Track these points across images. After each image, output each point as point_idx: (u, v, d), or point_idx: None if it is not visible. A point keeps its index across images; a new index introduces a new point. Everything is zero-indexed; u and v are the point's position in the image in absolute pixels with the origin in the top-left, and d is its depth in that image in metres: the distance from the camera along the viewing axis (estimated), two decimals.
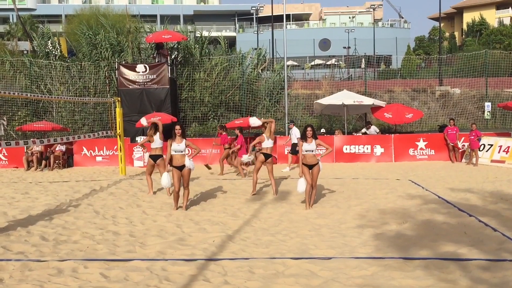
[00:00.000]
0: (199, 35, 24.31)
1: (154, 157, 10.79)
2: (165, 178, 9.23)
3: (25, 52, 36.83)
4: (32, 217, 8.50)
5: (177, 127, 9.10)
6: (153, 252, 6.29)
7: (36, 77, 21.94)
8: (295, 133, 15.71)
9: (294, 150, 15.28)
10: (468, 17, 61.14)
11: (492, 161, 15.70)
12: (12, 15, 51.01)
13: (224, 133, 14.94)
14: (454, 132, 16.79)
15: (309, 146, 8.98)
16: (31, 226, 7.72)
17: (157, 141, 10.78)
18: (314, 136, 9.04)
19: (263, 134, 10.77)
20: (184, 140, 9.11)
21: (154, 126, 10.86)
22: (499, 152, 15.71)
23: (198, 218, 8.35)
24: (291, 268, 5.58)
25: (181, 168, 8.98)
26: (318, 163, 9.04)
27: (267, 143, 10.62)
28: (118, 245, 6.67)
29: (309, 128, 9.05)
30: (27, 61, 22.58)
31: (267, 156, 10.57)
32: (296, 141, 14.98)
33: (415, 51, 53.28)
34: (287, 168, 15.59)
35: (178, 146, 8.99)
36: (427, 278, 5.16)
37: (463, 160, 16.78)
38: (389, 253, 6.09)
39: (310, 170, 9.01)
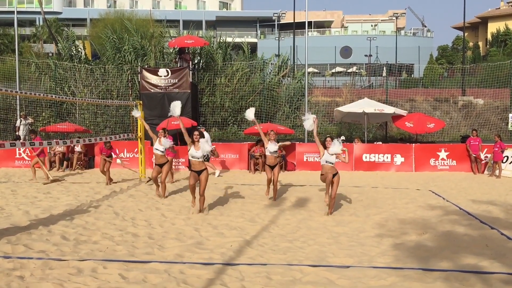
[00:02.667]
0: (221, 41, 24.49)
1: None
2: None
3: (50, 54, 37.55)
4: (53, 216, 8.63)
5: (196, 133, 9.11)
6: (171, 255, 6.32)
7: (61, 79, 22.36)
8: (206, 137, 14.48)
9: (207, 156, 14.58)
10: (493, 27, 60.25)
11: None
12: (39, 18, 52.06)
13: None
14: (477, 143, 16.52)
15: (330, 157, 8.93)
16: (52, 226, 7.84)
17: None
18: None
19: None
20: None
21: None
22: None
23: (216, 222, 8.37)
24: (308, 276, 5.55)
25: (199, 172, 9.01)
26: (337, 172, 9.01)
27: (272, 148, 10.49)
28: (137, 246, 6.73)
29: (329, 138, 9.04)
30: (52, 63, 23.04)
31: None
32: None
33: (438, 60, 52.73)
34: (218, 172, 15.03)
35: (196, 152, 8.95)
36: None
37: (486, 171, 16.50)
38: (409, 264, 6.01)
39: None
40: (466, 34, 44.81)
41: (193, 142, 9.03)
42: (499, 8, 64.97)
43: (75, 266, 5.76)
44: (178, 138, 17.83)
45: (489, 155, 16.40)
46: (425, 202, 10.55)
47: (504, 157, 15.85)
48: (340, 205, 10.15)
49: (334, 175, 8.97)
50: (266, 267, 5.80)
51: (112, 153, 13.14)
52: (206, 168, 9.10)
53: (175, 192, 11.83)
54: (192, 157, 9.02)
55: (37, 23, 53.26)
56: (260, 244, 6.95)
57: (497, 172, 15.46)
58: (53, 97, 15.76)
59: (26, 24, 54.20)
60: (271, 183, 10.59)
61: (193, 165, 9.06)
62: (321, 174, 9.08)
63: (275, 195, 10.68)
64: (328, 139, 9.05)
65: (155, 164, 11.24)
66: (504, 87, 24.91)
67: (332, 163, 8.97)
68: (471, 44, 60.49)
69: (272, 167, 10.52)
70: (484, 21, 64.42)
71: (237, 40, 30.22)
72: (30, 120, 19.45)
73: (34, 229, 7.58)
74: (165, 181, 11.15)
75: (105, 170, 12.94)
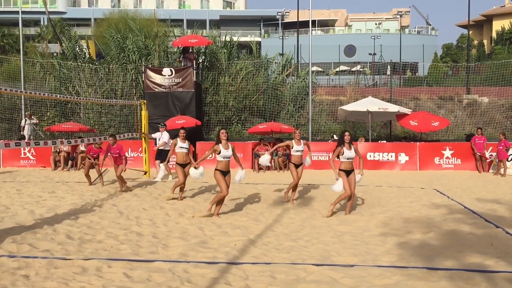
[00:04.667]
0: (226, 40, 24.50)
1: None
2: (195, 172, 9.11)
3: (55, 54, 37.67)
4: (58, 215, 8.66)
5: (223, 131, 8.71)
6: (175, 254, 6.33)
7: (65, 79, 22.43)
8: (165, 138, 14.18)
9: (165, 157, 13.42)
10: (498, 25, 59.99)
11: None
12: (43, 18, 52.22)
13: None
14: (482, 141, 16.46)
15: (350, 154, 8.86)
16: (57, 225, 7.87)
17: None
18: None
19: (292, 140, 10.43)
20: (230, 145, 8.70)
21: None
22: None
23: (220, 221, 8.38)
24: (312, 274, 5.55)
25: (226, 173, 8.71)
26: (354, 170, 8.97)
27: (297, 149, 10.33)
28: (141, 245, 6.74)
29: (347, 133, 8.94)
30: (57, 63, 23.11)
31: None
32: (166, 147, 13.76)
33: (442, 58, 52.57)
34: (170, 177, 14.00)
35: (227, 151, 8.65)
36: None
37: (491, 170, 16.44)
38: (413, 263, 6.00)
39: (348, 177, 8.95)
40: (470, 32, 44.64)
41: (220, 141, 8.59)
42: (504, 6, 64.65)
43: (80, 265, 5.78)
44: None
45: (494, 154, 16.33)
46: (430, 200, 10.53)
47: (509, 155, 15.79)
48: (344, 204, 10.13)
49: (351, 172, 8.93)
50: (270, 266, 5.81)
51: (99, 153, 12.73)
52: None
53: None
54: (224, 157, 8.62)
55: (42, 23, 53.43)
56: (264, 243, 6.95)
57: (502, 170, 15.40)
58: (58, 96, 15.80)
59: (31, 24, 54.43)
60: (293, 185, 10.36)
61: (223, 167, 8.65)
62: (341, 170, 8.95)
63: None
64: (347, 133, 8.94)
65: (177, 164, 10.70)
66: (509, 85, 24.79)
67: (352, 158, 8.94)
68: (475, 42, 60.26)
69: (297, 166, 10.31)
70: (489, 19, 64.16)
71: (242, 39, 30.18)
72: (35, 120, 19.53)
73: (39, 228, 7.61)
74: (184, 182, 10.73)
75: (87, 172, 12.51)
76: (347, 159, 8.93)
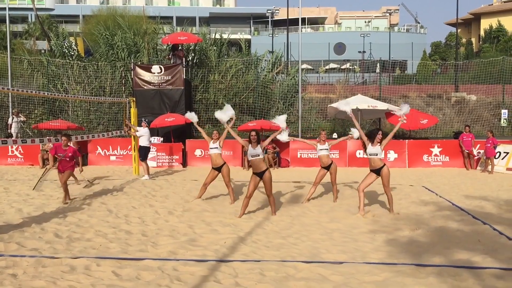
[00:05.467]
0: (216, 37, 24.43)
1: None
2: None
3: (42, 51, 37.29)
4: (46, 214, 8.60)
5: (253, 133, 8.61)
6: (164, 252, 6.31)
7: (53, 76, 22.23)
8: (144, 133, 13.96)
9: (143, 155, 13.90)
10: (486, 23, 60.51)
11: (508, 169, 15.50)
12: (31, 14, 51.71)
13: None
14: (470, 139, 16.60)
15: (373, 150, 8.74)
16: (45, 223, 7.81)
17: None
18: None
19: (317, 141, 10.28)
20: (258, 144, 8.54)
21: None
22: None
23: (210, 219, 8.37)
24: (302, 272, 5.56)
25: (261, 174, 8.50)
26: (384, 166, 8.83)
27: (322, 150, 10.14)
28: (130, 244, 6.71)
29: (380, 132, 8.78)
30: (45, 60, 22.90)
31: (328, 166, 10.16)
32: (144, 144, 13.78)
33: (431, 56, 52.93)
34: (146, 176, 13.59)
35: (255, 149, 8.52)
36: (440, 285, 5.11)
37: (478, 167, 16.60)
38: (402, 259, 6.04)
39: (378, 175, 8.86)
40: (459, 30, 44.96)
41: (250, 141, 8.55)
42: (492, 4, 65.21)
43: (68, 264, 5.75)
44: (171, 135, 17.83)
45: (481, 151, 16.49)
46: (418, 198, 10.61)
47: (497, 153, 15.95)
48: (333, 202, 10.17)
49: (379, 169, 8.78)
50: (259, 264, 5.81)
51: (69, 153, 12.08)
52: (268, 168, 8.59)
53: (169, 188, 11.80)
54: (252, 156, 8.52)
55: (29, 19, 52.90)
56: (254, 241, 6.95)
57: (489, 168, 15.55)
58: (46, 94, 15.65)
59: (18, 21, 53.77)
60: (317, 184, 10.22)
61: (254, 166, 8.53)
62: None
63: (336, 195, 10.32)
64: (380, 132, 8.78)
65: (212, 168, 9.99)
66: (497, 83, 25.04)
67: (377, 154, 8.75)
68: (464, 40, 60.72)
69: (326, 168, 10.09)
70: (477, 17, 64.69)
71: (231, 36, 30.11)
72: (22, 117, 19.32)
73: (27, 227, 7.55)
74: (230, 184, 10.07)
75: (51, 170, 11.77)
76: (370, 154, 8.80)
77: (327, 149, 10.13)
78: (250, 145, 8.57)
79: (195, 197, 10.22)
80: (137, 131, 14.05)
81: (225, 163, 9.99)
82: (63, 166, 9.99)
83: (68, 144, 10.07)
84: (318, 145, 10.20)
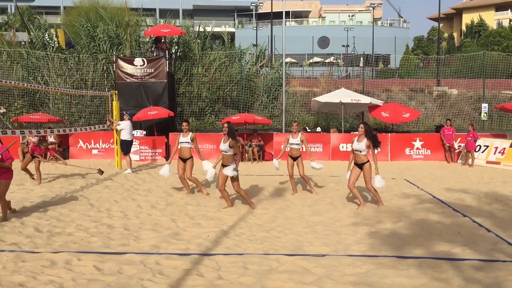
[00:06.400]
0: (200, 30, 24.28)
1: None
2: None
3: (22, 43, 36.65)
4: (26, 208, 8.48)
5: (225, 125, 8.62)
6: (147, 246, 6.28)
7: (33, 68, 21.88)
8: (126, 127, 13.75)
9: (125, 148, 13.71)
10: (467, 18, 61.24)
11: (488, 162, 15.75)
12: (10, 5, 50.74)
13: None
14: (451, 132, 16.81)
15: (358, 145, 8.73)
16: (25, 218, 7.70)
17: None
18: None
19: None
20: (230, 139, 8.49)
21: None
22: (494, 154, 15.76)
23: (193, 213, 8.34)
24: (285, 265, 5.58)
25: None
26: (368, 161, 8.79)
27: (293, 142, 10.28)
28: (112, 238, 6.66)
29: (361, 125, 8.77)
30: (25, 52, 22.51)
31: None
32: (126, 138, 13.63)
33: (414, 51, 53.36)
34: (129, 170, 13.49)
35: (223, 145, 8.52)
36: (420, 277, 5.17)
37: (459, 160, 16.83)
38: (383, 252, 6.10)
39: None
40: (441, 25, 45.42)
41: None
42: None
43: (49, 259, 5.68)
44: (154, 128, 17.70)
45: (462, 145, 16.72)
46: (400, 190, 10.71)
47: (477, 146, 16.18)
48: (317, 195, 10.22)
49: (362, 165, 8.79)
50: (242, 257, 5.81)
51: (48, 153, 11.77)
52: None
53: (151, 182, 11.73)
54: (222, 150, 8.58)
55: (9, 10, 51.86)
56: (237, 234, 6.95)
57: (470, 161, 15.78)
58: (26, 85, 15.40)
59: None
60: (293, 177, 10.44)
61: (223, 160, 8.62)
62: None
63: (311, 187, 10.43)
64: (361, 125, 8.79)
65: (180, 158, 10.11)
66: (478, 78, 25.38)
67: (361, 151, 8.74)
68: (446, 35, 61.39)
69: (294, 159, 10.28)
70: (459, 12, 65.43)
71: (215, 29, 29.98)
72: (2, 109, 18.98)
73: (6, 221, 7.43)
74: (191, 176, 10.14)
75: (38, 168, 11.43)
76: (355, 150, 8.81)
77: (298, 143, 10.24)
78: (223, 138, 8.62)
79: (186, 193, 10.16)
80: (119, 124, 13.89)
81: (191, 157, 10.16)
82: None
83: None
84: (290, 138, 10.28)
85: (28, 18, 39.76)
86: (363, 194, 9.78)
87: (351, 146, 8.97)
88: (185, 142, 10.12)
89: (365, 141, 8.68)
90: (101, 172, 12.18)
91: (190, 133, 10.20)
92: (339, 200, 9.72)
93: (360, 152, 8.76)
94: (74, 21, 28.72)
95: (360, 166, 8.84)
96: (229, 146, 8.43)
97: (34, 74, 21.76)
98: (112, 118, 14.26)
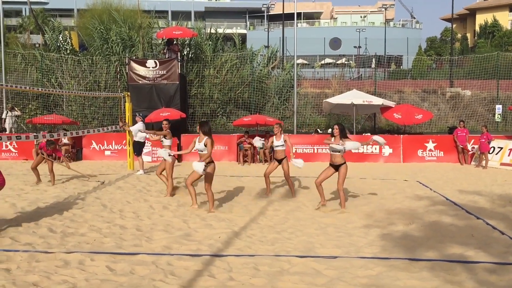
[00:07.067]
0: (211, 32, 24.37)
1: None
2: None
3: (36, 45, 37.10)
4: (40, 209, 8.57)
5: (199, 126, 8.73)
6: (159, 247, 6.31)
7: (47, 70, 22.12)
8: (138, 128, 13.67)
9: (138, 150, 13.85)
10: (481, 19, 60.62)
11: (502, 164, 15.58)
12: (25, 8, 51.38)
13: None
14: (464, 134, 16.66)
15: (336, 147, 8.61)
16: (39, 218, 7.77)
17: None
18: (343, 136, 8.65)
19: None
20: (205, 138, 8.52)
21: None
22: (509, 155, 15.59)
23: (204, 214, 8.37)
24: (296, 266, 5.58)
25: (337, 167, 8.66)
26: (344, 163, 8.70)
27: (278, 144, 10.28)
28: (124, 238, 6.71)
29: (336, 126, 8.75)
30: (39, 54, 22.76)
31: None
32: (139, 139, 13.70)
33: (427, 52, 52.99)
34: (141, 171, 13.57)
35: (198, 144, 8.49)
36: (432, 279, 5.14)
37: (473, 162, 16.67)
38: (395, 254, 6.07)
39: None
40: (454, 25, 45.06)
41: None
42: (487, 0, 65.31)
43: (62, 259, 5.73)
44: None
45: (476, 146, 16.56)
46: (413, 192, 10.65)
47: (491, 148, 16.02)
48: (328, 196, 10.19)
49: (339, 166, 8.71)
50: (254, 258, 5.82)
51: (54, 154, 11.67)
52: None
53: (163, 183, 11.77)
54: (198, 150, 8.55)
55: (24, 13, 52.54)
56: (248, 235, 6.96)
57: (483, 163, 15.62)
58: (39, 90, 15.55)
59: (12, 15, 53.42)
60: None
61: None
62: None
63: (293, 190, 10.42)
64: (335, 126, 8.77)
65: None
66: (491, 79, 25.11)
67: (339, 152, 8.62)
68: (459, 35, 60.87)
69: (279, 161, 10.24)
70: (472, 13, 64.79)
71: (227, 31, 30.05)
72: (17, 112, 19.22)
73: (20, 221, 7.52)
74: (170, 178, 10.29)
75: (52, 170, 11.52)
76: (333, 151, 8.77)
77: (283, 144, 10.21)
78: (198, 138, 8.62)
79: (167, 195, 10.14)
80: (130, 129, 13.99)
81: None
82: None
83: None
84: (274, 140, 10.23)
85: (42, 20, 40.24)
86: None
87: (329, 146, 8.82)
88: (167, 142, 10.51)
89: (341, 142, 8.63)
90: (101, 182, 11.88)
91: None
92: (350, 201, 9.68)
93: (339, 152, 8.65)
94: (87, 23, 29.03)
95: (336, 167, 8.74)
96: (204, 145, 8.42)
97: (48, 76, 22.00)
98: (125, 121, 14.35)
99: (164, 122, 10.61)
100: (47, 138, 11.07)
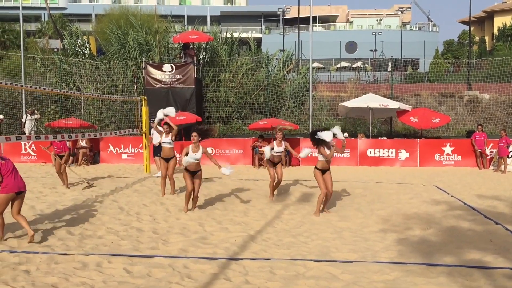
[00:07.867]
0: (227, 36, 24.48)
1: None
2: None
3: (55, 50, 37.64)
4: (59, 211, 8.69)
5: (193, 134, 8.81)
6: (175, 250, 6.36)
7: (66, 74, 22.43)
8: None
9: (155, 152, 13.73)
10: (499, 21, 59.78)
11: None
12: (44, 13, 52.17)
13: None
14: (482, 138, 16.44)
15: (278, 149, 9.18)
16: (57, 220, 7.90)
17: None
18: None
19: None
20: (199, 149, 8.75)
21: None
22: None
23: (220, 217, 8.40)
24: (312, 270, 5.57)
25: (193, 173, 8.83)
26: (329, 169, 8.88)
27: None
28: (141, 241, 6.77)
29: (193, 133, 8.85)
30: (57, 59, 23.11)
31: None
32: (155, 142, 13.24)
33: (444, 55, 52.42)
34: (159, 173, 12.77)
35: (193, 155, 8.67)
36: (450, 285, 5.09)
37: (491, 167, 16.44)
38: (412, 259, 6.02)
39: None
40: (472, 28, 44.51)
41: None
42: (506, 2, 64.42)
43: (80, 261, 5.81)
44: (182, 133, 17.87)
45: (494, 150, 16.33)
46: (430, 197, 10.54)
47: (510, 152, 15.78)
48: (344, 200, 10.16)
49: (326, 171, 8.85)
50: (269, 262, 5.83)
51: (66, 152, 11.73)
52: (200, 169, 8.99)
53: (179, 186, 11.86)
54: (192, 159, 8.70)
55: (43, 18, 53.37)
56: (264, 239, 6.97)
57: (502, 167, 15.40)
58: (59, 91, 15.78)
59: (32, 20, 54.31)
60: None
61: (191, 166, 8.82)
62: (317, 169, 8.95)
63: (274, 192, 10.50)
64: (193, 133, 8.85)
65: (162, 158, 10.65)
66: (510, 82, 24.74)
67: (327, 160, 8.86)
68: (477, 38, 60.06)
69: (274, 164, 10.28)
70: (490, 16, 63.96)
71: (242, 35, 30.15)
72: (37, 115, 19.49)
73: (39, 223, 7.65)
74: (172, 177, 10.67)
75: (60, 171, 11.71)
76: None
77: (282, 151, 10.25)
78: (191, 147, 8.73)
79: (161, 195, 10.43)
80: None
81: (174, 156, 10.62)
82: None
83: None
84: (275, 145, 10.08)
85: (60, 25, 40.83)
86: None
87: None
88: (167, 143, 10.63)
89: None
90: (90, 186, 11.77)
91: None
92: (366, 206, 9.63)
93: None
94: (105, 28, 29.42)
95: (325, 171, 8.87)
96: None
97: (66, 80, 22.31)
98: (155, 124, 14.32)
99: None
100: (58, 139, 11.23)
